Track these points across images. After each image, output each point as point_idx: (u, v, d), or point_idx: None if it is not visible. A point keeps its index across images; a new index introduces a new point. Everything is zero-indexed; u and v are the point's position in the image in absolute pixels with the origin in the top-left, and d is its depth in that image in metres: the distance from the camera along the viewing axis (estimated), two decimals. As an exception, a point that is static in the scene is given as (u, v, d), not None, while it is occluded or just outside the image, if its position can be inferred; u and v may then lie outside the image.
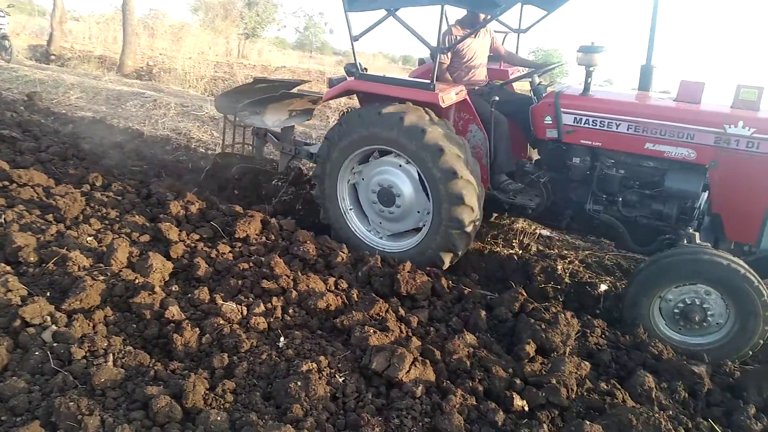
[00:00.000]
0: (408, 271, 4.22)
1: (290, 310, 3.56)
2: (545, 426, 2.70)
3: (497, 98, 4.77)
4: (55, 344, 2.92)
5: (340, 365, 3.01)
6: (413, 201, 4.73)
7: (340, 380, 2.90)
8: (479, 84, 5.41)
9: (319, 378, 2.83)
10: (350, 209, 5.12)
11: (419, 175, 4.58)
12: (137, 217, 4.75)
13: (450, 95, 4.52)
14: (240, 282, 3.84)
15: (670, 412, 3.08)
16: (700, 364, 3.45)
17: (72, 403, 2.40)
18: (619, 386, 3.23)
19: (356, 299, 3.90)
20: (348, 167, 4.96)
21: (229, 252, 4.37)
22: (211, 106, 11.38)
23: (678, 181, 4.22)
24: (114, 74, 16.08)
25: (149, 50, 20.38)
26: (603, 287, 4.70)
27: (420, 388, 2.86)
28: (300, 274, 4.02)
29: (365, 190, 4.96)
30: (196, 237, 4.61)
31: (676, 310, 3.91)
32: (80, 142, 7.13)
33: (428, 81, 4.50)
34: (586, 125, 4.43)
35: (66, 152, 6.40)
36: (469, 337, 3.52)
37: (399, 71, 28.97)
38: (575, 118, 4.46)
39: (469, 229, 4.44)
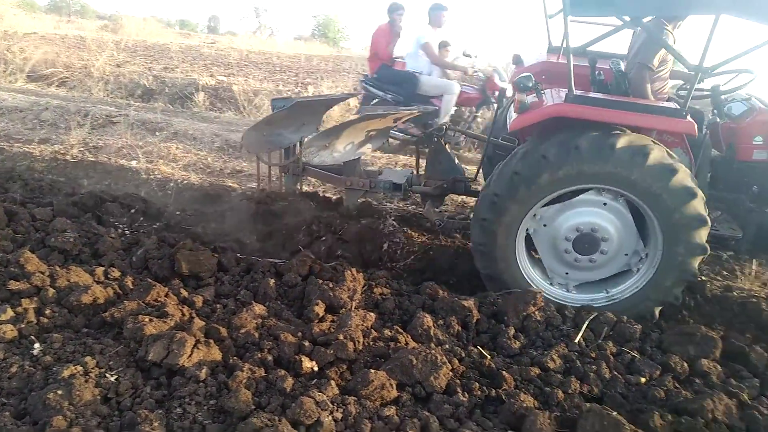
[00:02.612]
0: (189, 249, 3.97)
1: (47, 311, 3.11)
2: (333, 382, 2.76)
3: (717, 119, 4.28)
4: None
5: (111, 363, 2.73)
6: (622, 243, 4.03)
7: (112, 379, 2.63)
8: (664, 97, 4.55)
9: (86, 381, 2.53)
10: (529, 265, 4.26)
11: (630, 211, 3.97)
12: None
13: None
14: (-21, 287, 3.24)
15: (447, 346, 3.38)
16: (468, 298, 3.82)
17: None
18: (402, 330, 3.44)
19: (131, 287, 3.56)
20: (531, 214, 4.05)
21: (-36, 253, 3.67)
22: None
23: None
24: None
25: None
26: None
27: (204, 370, 2.72)
28: (59, 268, 3.53)
29: (550, 237, 4.13)
30: None
31: None
32: None
33: (671, 105, 3.92)
34: None
35: None
36: (258, 308, 3.45)
37: (177, 36, 26.93)
38: None
39: (708, 248, 3.88)
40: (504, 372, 3.08)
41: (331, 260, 4.37)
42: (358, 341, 3.13)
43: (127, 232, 4.57)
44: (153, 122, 8.77)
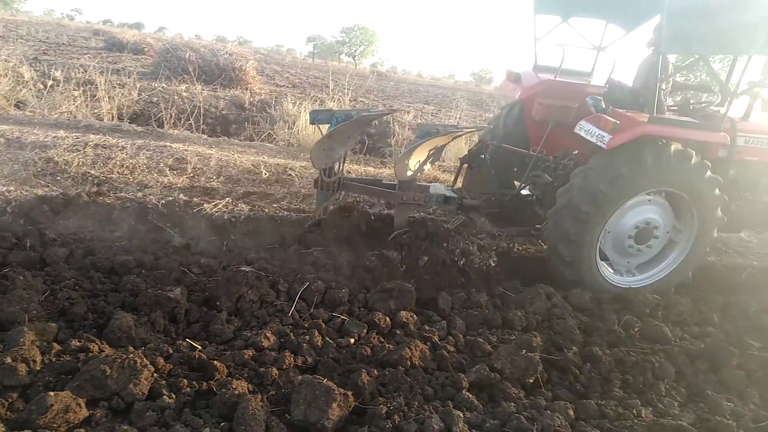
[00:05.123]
0: None
1: None
2: (-3, 419, 2.24)
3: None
4: None
5: None
6: (666, 226, 4.96)
7: None
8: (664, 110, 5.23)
9: None
10: (601, 265, 4.94)
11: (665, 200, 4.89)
12: None
13: None
14: None
15: (152, 345, 3.06)
16: (174, 288, 3.52)
17: None
18: (95, 337, 2.99)
19: None
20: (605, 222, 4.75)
21: None
22: None
23: None
24: None
25: None
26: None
27: None
28: None
29: (613, 238, 4.93)
30: None
31: None
32: None
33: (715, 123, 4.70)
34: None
35: None
36: None
37: None
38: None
39: (724, 219, 4.92)
40: (216, 361, 2.90)
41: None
42: (34, 361, 2.61)
43: None
44: None
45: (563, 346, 3.70)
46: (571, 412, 3.01)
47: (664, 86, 5.10)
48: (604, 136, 4.44)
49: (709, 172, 4.66)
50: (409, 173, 4.83)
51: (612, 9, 5.78)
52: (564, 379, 3.45)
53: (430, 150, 5.02)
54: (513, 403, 3.01)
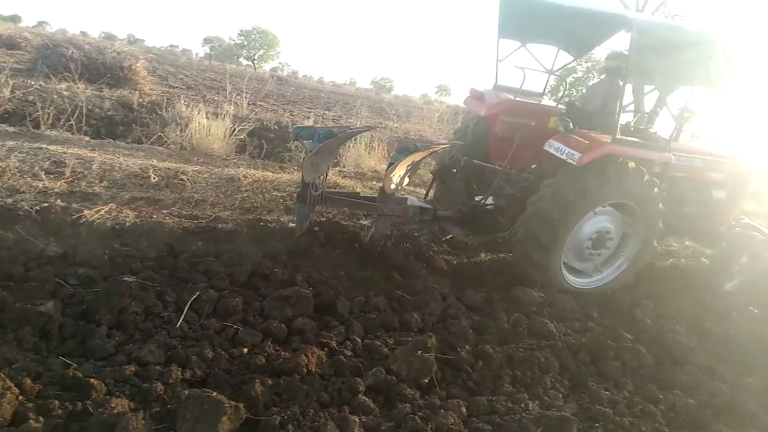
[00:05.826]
0: None
1: None
2: None
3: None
4: None
5: None
6: (616, 240, 5.53)
7: None
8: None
9: None
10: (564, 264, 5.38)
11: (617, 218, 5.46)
12: None
13: None
14: None
15: (18, 365, 2.78)
16: (47, 302, 3.23)
17: None
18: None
19: None
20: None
21: None
22: None
23: None
24: None
25: None
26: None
27: None
28: None
29: (577, 241, 5.35)
30: None
31: None
32: None
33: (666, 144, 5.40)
34: None
35: None
36: None
37: None
38: None
39: (663, 229, 5.55)
40: (92, 379, 2.69)
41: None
42: None
43: None
44: None
45: (457, 346, 3.79)
46: (464, 410, 3.09)
47: (616, 110, 5.55)
48: (574, 154, 4.93)
49: (656, 188, 5.25)
50: (393, 187, 5.05)
51: (564, 37, 6.46)
52: (457, 377, 3.54)
53: (409, 165, 5.31)
54: (408, 404, 3.04)
